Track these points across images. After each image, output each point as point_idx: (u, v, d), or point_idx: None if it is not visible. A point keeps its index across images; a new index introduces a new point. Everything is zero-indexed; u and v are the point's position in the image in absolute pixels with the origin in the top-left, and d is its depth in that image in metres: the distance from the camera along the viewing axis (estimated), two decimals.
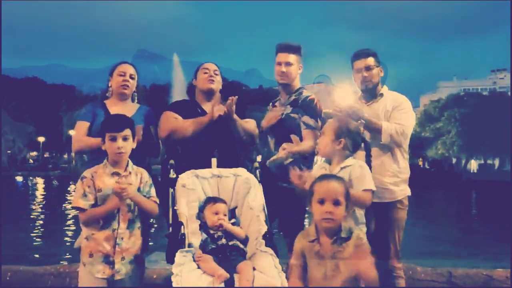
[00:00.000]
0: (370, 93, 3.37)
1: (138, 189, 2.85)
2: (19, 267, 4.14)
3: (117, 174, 2.82)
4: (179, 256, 2.59)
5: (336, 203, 2.32)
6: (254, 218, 2.86)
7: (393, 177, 3.25)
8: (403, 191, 3.28)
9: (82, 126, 3.29)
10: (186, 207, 2.84)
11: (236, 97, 3.20)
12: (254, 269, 2.55)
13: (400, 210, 3.26)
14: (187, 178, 2.94)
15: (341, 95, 3.37)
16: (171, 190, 2.92)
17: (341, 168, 2.77)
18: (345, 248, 2.32)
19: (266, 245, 2.71)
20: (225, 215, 2.81)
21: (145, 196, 2.86)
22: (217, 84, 3.42)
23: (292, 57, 3.44)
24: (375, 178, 2.89)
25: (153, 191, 2.91)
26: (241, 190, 2.99)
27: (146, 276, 3.25)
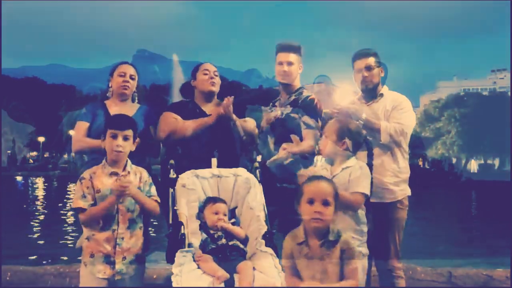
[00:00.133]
0: (370, 93, 3.37)
1: (138, 189, 2.85)
2: (19, 267, 4.14)
3: (116, 174, 2.82)
4: (179, 256, 2.59)
5: (325, 203, 2.33)
6: (254, 218, 2.86)
7: (393, 177, 3.25)
8: (403, 191, 3.28)
9: (82, 126, 3.30)
10: (186, 207, 2.84)
11: (233, 96, 3.21)
12: (254, 269, 2.56)
13: (400, 210, 3.27)
14: (187, 178, 2.94)
15: (341, 95, 3.37)
16: (171, 190, 2.93)
17: (343, 169, 2.77)
18: (333, 252, 2.33)
19: (266, 245, 2.71)
20: (225, 215, 2.82)
21: (146, 195, 2.86)
22: (217, 87, 3.42)
23: (292, 57, 3.44)
24: (375, 178, 2.90)
25: (153, 190, 2.91)
26: (241, 190, 2.99)
27: (146, 276, 3.26)
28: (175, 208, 2.86)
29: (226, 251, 2.65)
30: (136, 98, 3.48)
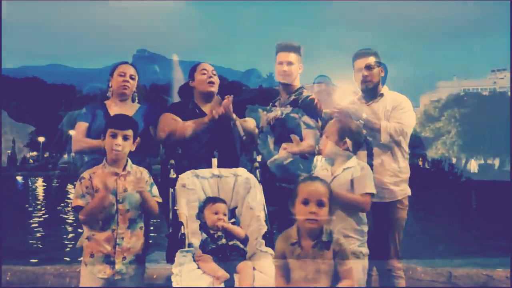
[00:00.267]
0: (371, 93, 3.37)
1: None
2: (19, 267, 4.14)
3: (116, 174, 2.82)
4: (179, 256, 2.59)
5: (320, 204, 2.33)
6: (254, 218, 2.86)
7: (393, 177, 3.25)
8: (403, 191, 3.28)
9: (82, 126, 3.31)
10: (186, 207, 2.84)
11: (232, 96, 3.20)
12: (254, 269, 2.56)
13: (400, 210, 3.26)
14: (187, 178, 2.94)
15: (341, 95, 3.38)
16: (171, 190, 2.93)
17: (344, 169, 2.77)
18: (325, 253, 2.33)
19: (266, 245, 2.71)
20: (225, 214, 2.82)
21: None
22: (216, 86, 3.42)
23: (292, 56, 3.44)
24: (375, 177, 2.90)
25: (154, 190, 2.91)
26: (241, 190, 2.99)
27: (146, 276, 3.26)
28: (175, 208, 2.86)
29: (226, 251, 2.65)
30: (136, 98, 3.48)
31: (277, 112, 3.47)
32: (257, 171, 3.07)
